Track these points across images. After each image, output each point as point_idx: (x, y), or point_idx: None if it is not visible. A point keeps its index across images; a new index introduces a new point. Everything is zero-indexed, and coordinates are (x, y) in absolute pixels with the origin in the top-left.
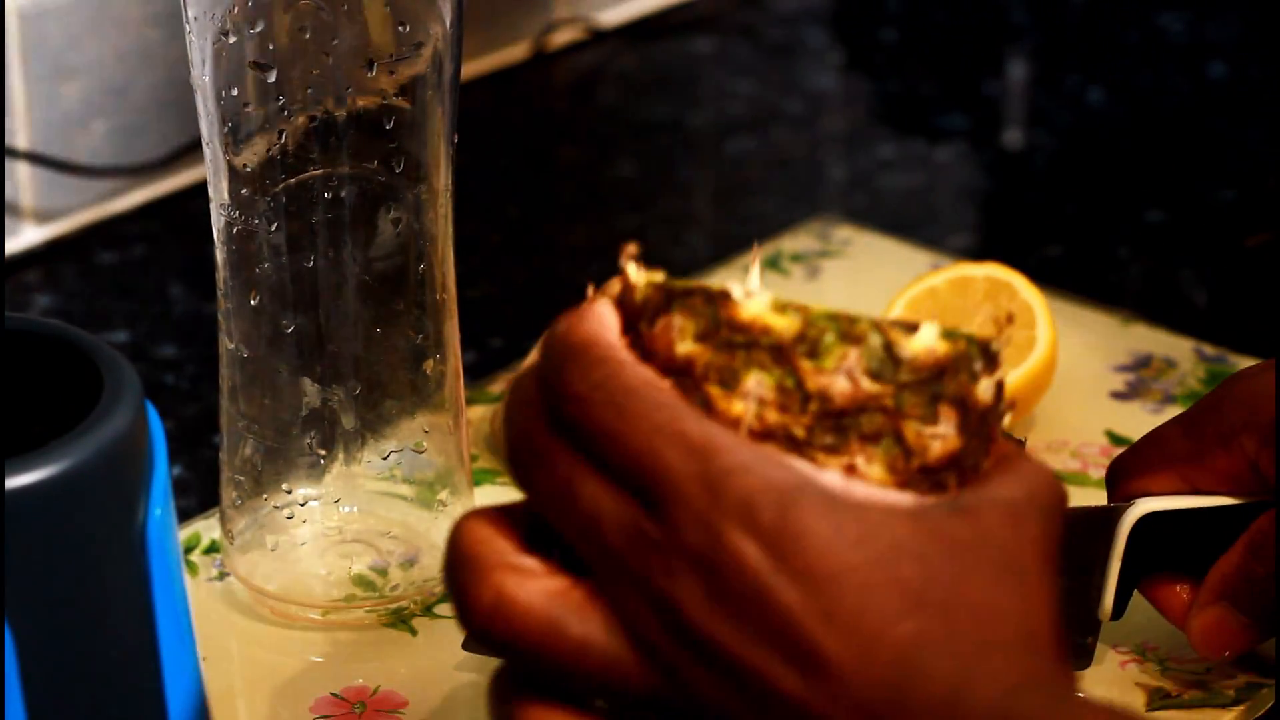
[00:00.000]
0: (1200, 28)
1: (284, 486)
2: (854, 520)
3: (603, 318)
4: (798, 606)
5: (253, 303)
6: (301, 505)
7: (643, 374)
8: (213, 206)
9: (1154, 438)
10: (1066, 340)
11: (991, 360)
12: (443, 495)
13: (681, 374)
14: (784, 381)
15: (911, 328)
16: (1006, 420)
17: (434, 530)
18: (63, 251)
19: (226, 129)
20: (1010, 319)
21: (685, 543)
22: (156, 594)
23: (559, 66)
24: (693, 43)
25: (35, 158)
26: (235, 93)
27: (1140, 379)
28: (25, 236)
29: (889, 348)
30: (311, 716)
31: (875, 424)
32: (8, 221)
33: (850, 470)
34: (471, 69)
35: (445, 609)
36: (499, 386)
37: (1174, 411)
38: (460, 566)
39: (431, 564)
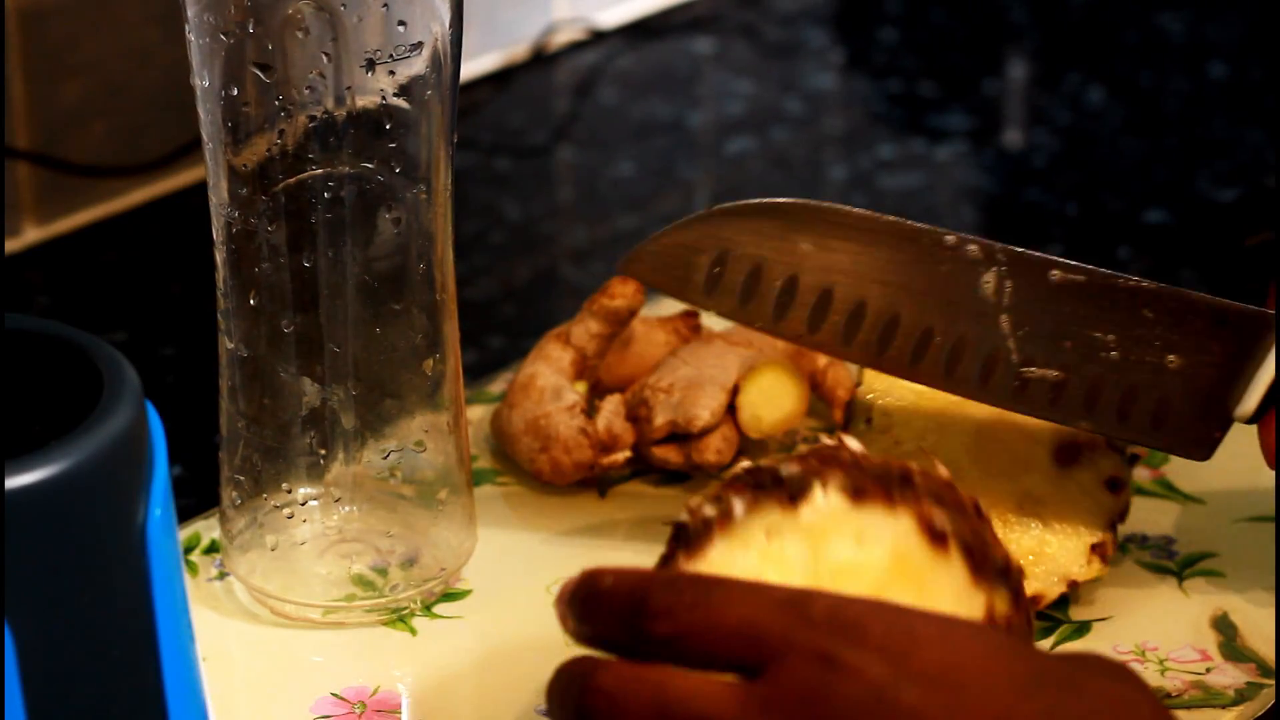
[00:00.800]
0: (1200, 28)
1: (284, 486)
2: (961, 624)
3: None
4: (922, 704)
5: (252, 302)
6: (301, 505)
7: (714, 574)
8: (212, 206)
9: None
10: None
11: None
12: (443, 495)
13: None
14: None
15: None
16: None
17: (434, 530)
18: (63, 251)
19: (226, 129)
20: None
21: (800, 679)
22: (156, 594)
23: (559, 66)
24: (693, 43)
25: (35, 158)
26: (235, 93)
27: None
28: (25, 236)
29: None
30: (311, 716)
31: None
32: (8, 221)
33: None
34: (471, 69)
35: (445, 609)
36: (499, 386)
37: None
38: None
39: (431, 563)
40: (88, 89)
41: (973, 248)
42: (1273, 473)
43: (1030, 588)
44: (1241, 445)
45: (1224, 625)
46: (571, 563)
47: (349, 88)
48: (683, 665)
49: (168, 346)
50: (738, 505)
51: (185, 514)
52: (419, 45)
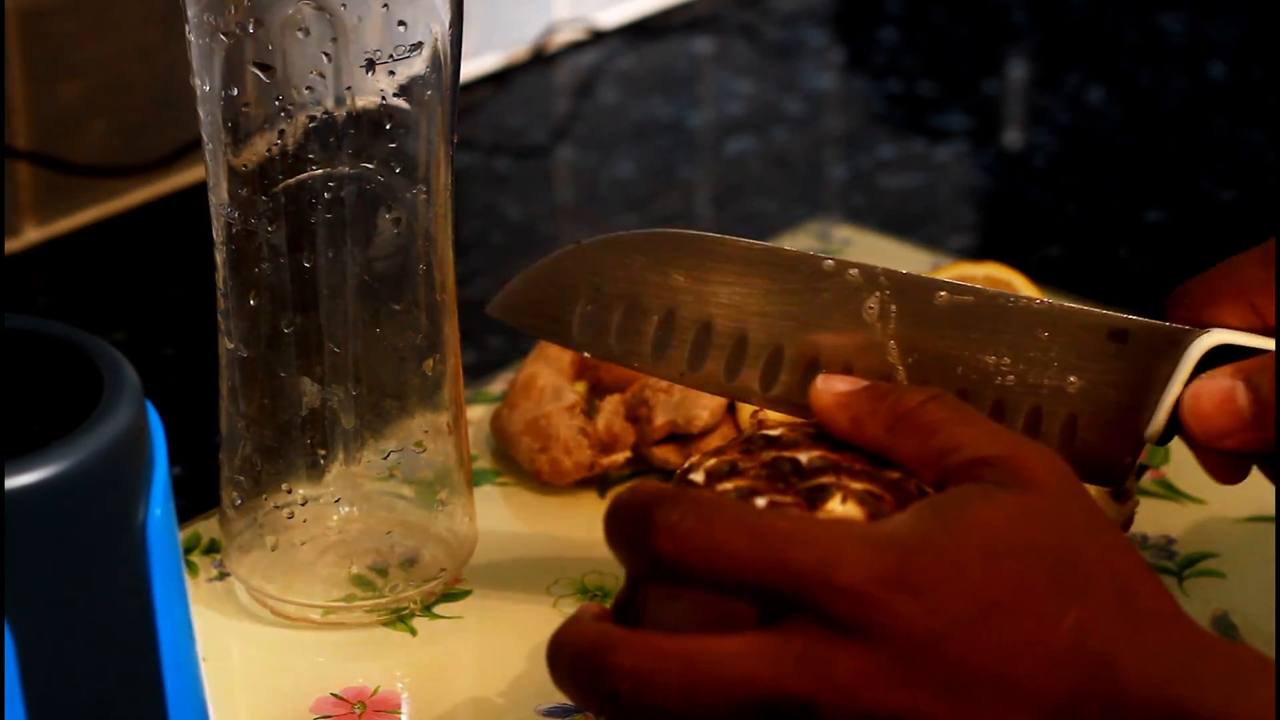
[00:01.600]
0: (1200, 28)
1: (284, 486)
2: (950, 547)
3: (655, 484)
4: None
5: (252, 303)
6: (301, 505)
7: (721, 495)
8: (212, 207)
9: (1227, 265)
10: None
11: None
12: (442, 495)
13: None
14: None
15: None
16: None
17: (434, 530)
18: (63, 251)
19: (226, 129)
20: None
21: (828, 632)
22: (156, 594)
23: (559, 66)
24: (693, 43)
25: (35, 158)
26: (235, 93)
27: None
28: (25, 236)
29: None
30: (311, 716)
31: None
32: (8, 221)
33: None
34: (471, 68)
35: (445, 609)
36: (499, 386)
37: None
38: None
39: (431, 563)
40: (88, 89)
41: (854, 272)
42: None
43: None
44: None
45: (1224, 626)
46: (571, 563)
47: (349, 88)
48: (693, 587)
49: (168, 346)
50: (757, 502)
51: (185, 514)
52: (419, 45)
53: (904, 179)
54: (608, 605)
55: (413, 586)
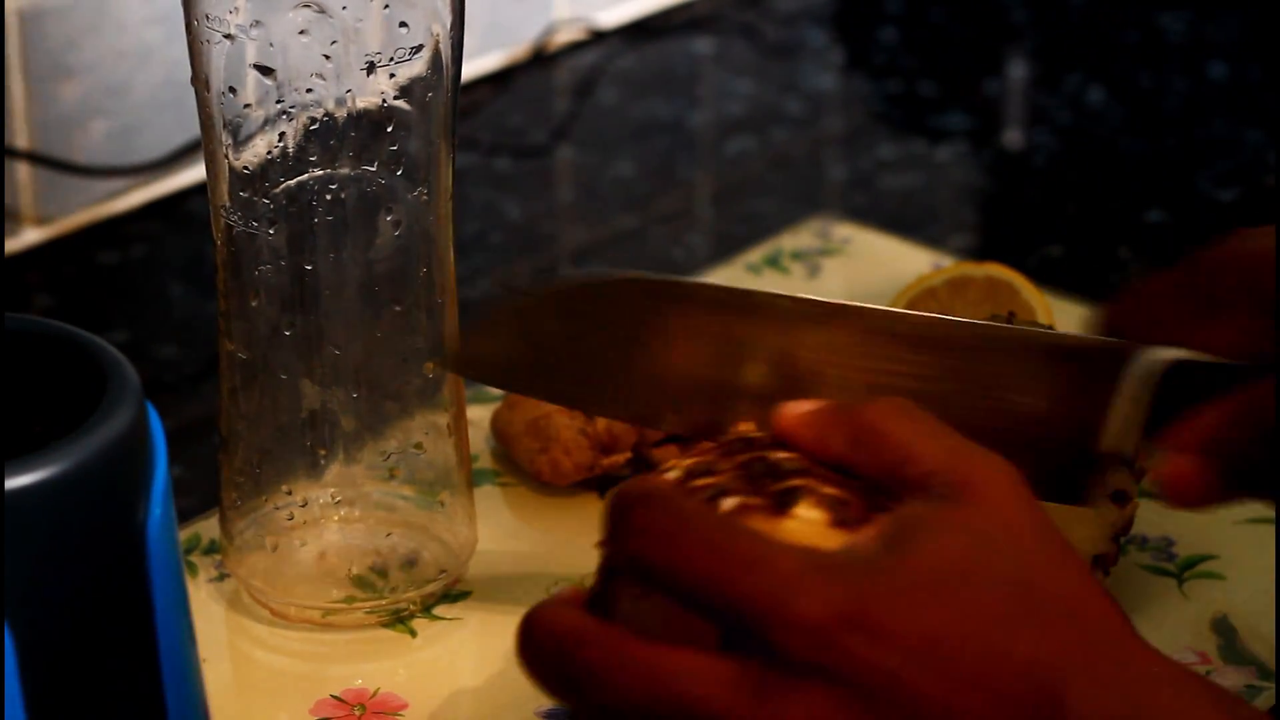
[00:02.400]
0: (1200, 28)
1: (284, 487)
2: (902, 581)
3: (655, 478)
4: (917, 681)
5: (252, 304)
6: (301, 506)
7: (697, 502)
8: (212, 208)
9: (1145, 293)
10: None
11: None
12: (443, 496)
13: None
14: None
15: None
16: None
17: (434, 531)
18: (63, 251)
19: (226, 130)
20: (1014, 316)
21: (796, 662)
22: (156, 594)
23: (559, 66)
24: (693, 43)
25: (35, 158)
26: (235, 94)
27: None
28: (25, 236)
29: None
30: (311, 718)
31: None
32: (8, 221)
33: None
34: (471, 69)
35: (445, 610)
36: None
37: None
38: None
39: (431, 564)
40: (87, 89)
41: (785, 303)
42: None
43: None
44: None
45: (1224, 628)
46: (571, 563)
47: (350, 90)
48: (656, 590)
49: (168, 347)
50: (725, 503)
51: (185, 514)
52: (420, 47)
53: (904, 179)
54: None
55: (412, 587)
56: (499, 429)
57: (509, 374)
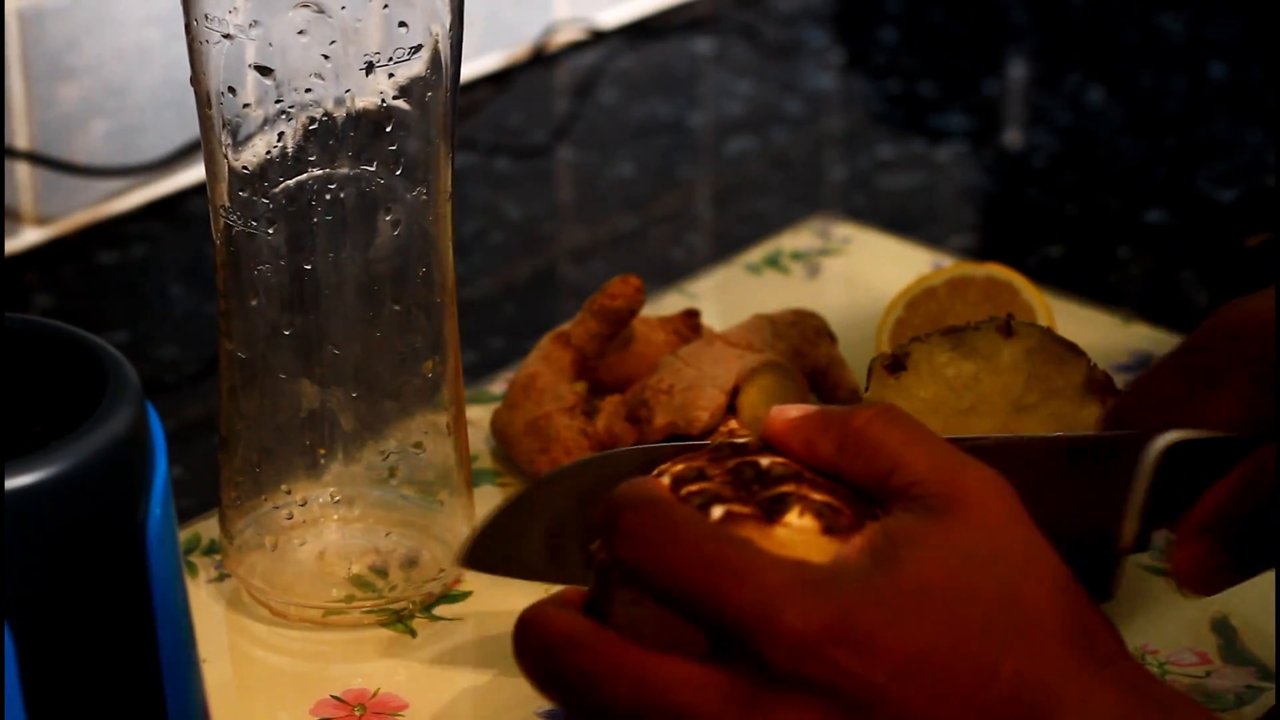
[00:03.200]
0: (1200, 28)
1: (283, 487)
2: (886, 596)
3: (649, 482)
4: (899, 693)
5: (252, 304)
6: (301, 505)
7: (688, 509)
8: (212, 208)
9: (1147, 381)
10: None
11: None
12: (442, 495)
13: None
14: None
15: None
16: None
17: (434, 530)
18: (63, 251)
19: (226, 130)
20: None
21: (783, 676)
22: (156, 594)
23: (559, 66)
24: (693, 43)
25: (35, 158)
26: (235, 94)
27: None
28: (25, 236)
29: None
30: (312, 718)
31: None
32: (8, 221)
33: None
34: (471, 69)
35: (445, 610)
36: (499, 386)
37: None
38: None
39: (431, 564)
40: (87, 89)
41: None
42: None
43: None
44: None
45: (1223, 628)
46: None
47: (349, 89)
48: (650, 596)
49: (168, 347)
50: (715, 510)
51: (185, 514)
52: (419, 47)
53: (904, 179)
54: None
55: (412, 587)
56: (499, 429)
57: (514, 564)
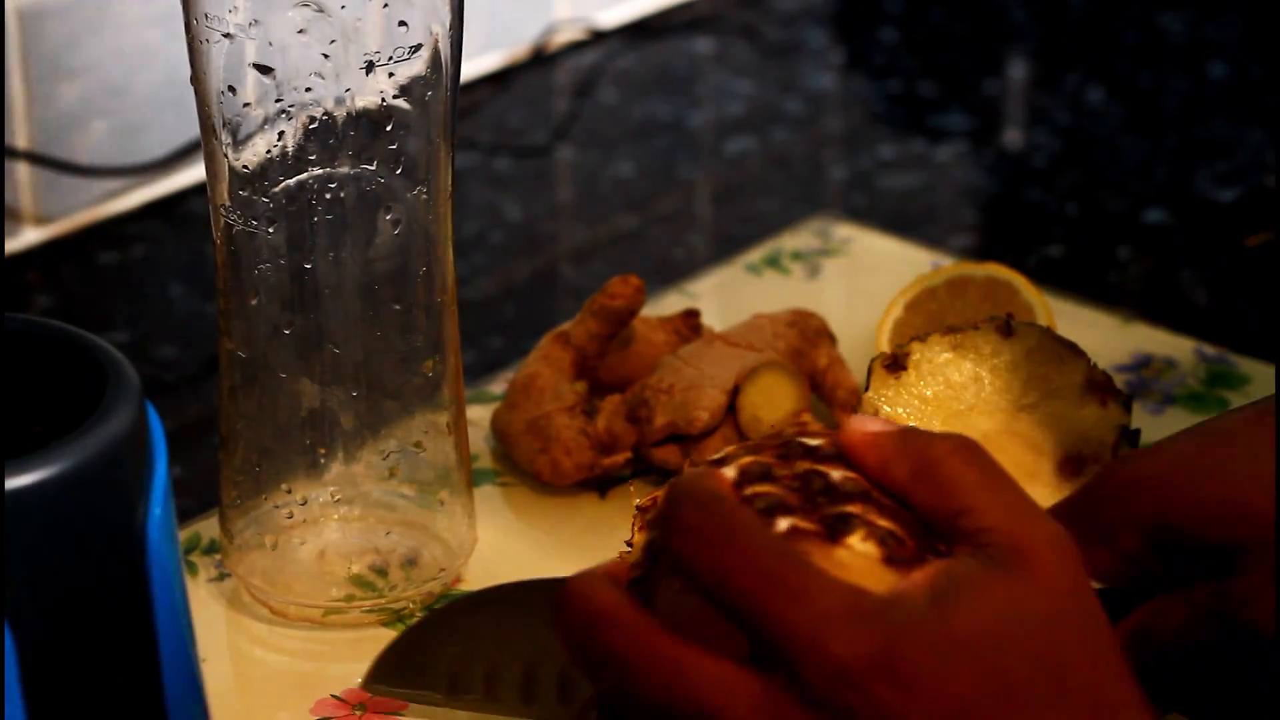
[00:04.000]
0: (1200, 28)
1: (283, 486)
2: (938, 640)
3: (716, 477)
4: None
5: (252, 303)
6: (301, 505)
7: (752, 514)
8: (212, 207)
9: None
10: None
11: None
12: (442, 495)
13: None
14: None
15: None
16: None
17: (434, 530)
18: (63, 251)
19: (226, 129)
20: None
21: (820, 698)
22: (156, 594)
23: (559, 66)
24: (693, 43)
25: (35, 158)
26: (235, 93)
27: (1140, 379)
28: (25, 236)
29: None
30: (311, 718)
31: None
32: (8, 221)
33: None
34: (471, 69)
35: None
36: (499, 386)
37: (1174, 413)
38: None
39: (431, 563)
40: (87, 89)
41: None
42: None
43: None
44: None
45: None
46: (571, 563)
47: (349, 89)
48: (696, 592)
49: (168, 347)
50: (781, 522)
51: (185, 514)
52: (419, 46)
53: (904, 179)
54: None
55: (412, 586)
56: (499, 429)
57: (415, 688)
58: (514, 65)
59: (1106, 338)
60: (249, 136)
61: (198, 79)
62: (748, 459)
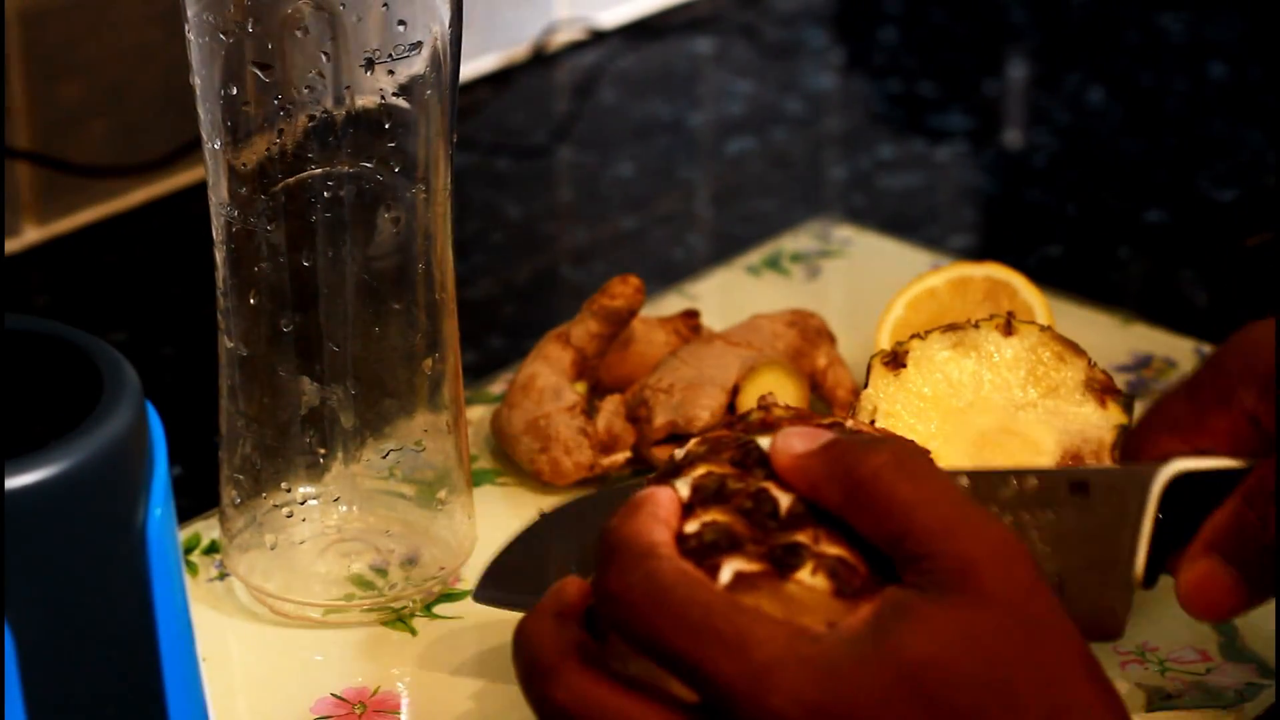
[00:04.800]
0: (1200, 28)
1: (283, 485)
2: (878, 678)
3: (653, 511)
4: None
5: (252, 302)
6: (301, 504)
7: (680, 567)
8: (212, 206)
9: (1158, 406)
10: None
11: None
12: (442, 494)
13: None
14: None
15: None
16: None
17: (433, 530)
18: (63, 251)
19: (226, 128)
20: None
21: None
22: (156, 594)
23: (559, 66)
24: (693, 43)
25: (35, 158)
26: (234, 92)
27: (1140, 379)
28: (25, 236)
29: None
30: (311, 717)
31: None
32: (8, 221)
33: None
34: (471, 69)
35: (445, 609)
36: (499, 386)
37: None
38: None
39: (431, 563)
40: (88, 89)
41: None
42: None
43: None
44: None
45: (1224, 626)
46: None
47: (348, 87)
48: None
49: (168, 346)
50: (724, 572)
51: (185, 514)
52: (418, 45)
53: (904, 179)
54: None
55: (412, 586)
56: (499, 429)
57: (526, 597)
58: (514, 65)
59: (1106, 338)
60: (248, 135)
61: (197, 78)
62: (703, 470)
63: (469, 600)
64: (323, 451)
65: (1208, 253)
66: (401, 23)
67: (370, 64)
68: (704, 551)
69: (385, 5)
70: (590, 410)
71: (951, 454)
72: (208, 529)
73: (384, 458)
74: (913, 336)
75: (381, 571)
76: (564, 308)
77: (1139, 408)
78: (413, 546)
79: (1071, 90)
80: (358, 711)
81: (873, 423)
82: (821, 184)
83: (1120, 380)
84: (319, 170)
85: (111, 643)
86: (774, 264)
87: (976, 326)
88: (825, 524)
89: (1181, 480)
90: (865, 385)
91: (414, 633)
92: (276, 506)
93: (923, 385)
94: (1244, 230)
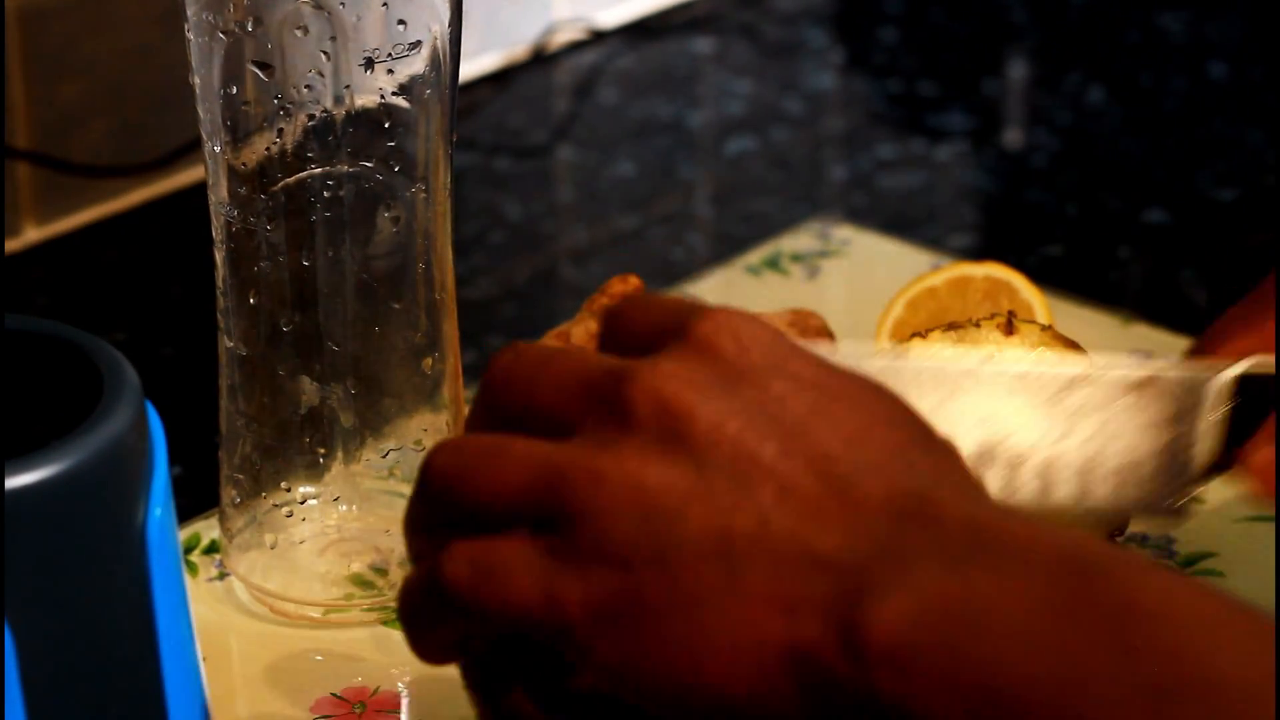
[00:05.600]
0: (1200, 28)
1: (283, 485)
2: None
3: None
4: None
5: (252, 301)
6: (300, 504)
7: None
8: (212, 206)
9: (1235, 309)
10: None
11: None
12: None
13: None
14: None
15: None
16: None
17: None
18: (63, 251)
19: (226, 128)
20: (1014, 315)
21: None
22: (156, 594)
23: (559, 66)
24: (693, 43)
25: (35, 158)
26: (234, 92)
27: None
28: (25, 236)
29: None
30: (311, 717)
31: None
32: (8, 221)
33: None
34: (471, 69)
35: None
36: None
37: None
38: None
39: None
40: (88, 89)
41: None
42: None
43: None
44: None
45: None
46: None
47: (348, 87)
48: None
49: (168, 346)
50: None
51: (185, 514)
52: (418, 44)
53: (904, 179)
54: None
55: None
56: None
57: None
58: (514, 65)
59: (1106, 338)
60: (248, 135)
61: (197, 77)
62: None
63: None
64: (322, 451)
65: (1208, 253)
66: (401, 22)
67: (370, 63)
68: None
69: (385, 5)
70: None
71: None
72: (208, 529)
73: (384, 457)
74: (913, 336)
75: (381, 571)
76: (564, 308)
77: None
78: None
79: (1071, 90)
80: (358, 711)
81: None
82: (821, 184)
83: None
84: (319, 170)
85: (111, 643)
86: (774, 264)
87: (978, 326)
88: None
89: (1250, 379)
90: None
91: None
92: (276, 506)
93: None
94: (1244, 230)
